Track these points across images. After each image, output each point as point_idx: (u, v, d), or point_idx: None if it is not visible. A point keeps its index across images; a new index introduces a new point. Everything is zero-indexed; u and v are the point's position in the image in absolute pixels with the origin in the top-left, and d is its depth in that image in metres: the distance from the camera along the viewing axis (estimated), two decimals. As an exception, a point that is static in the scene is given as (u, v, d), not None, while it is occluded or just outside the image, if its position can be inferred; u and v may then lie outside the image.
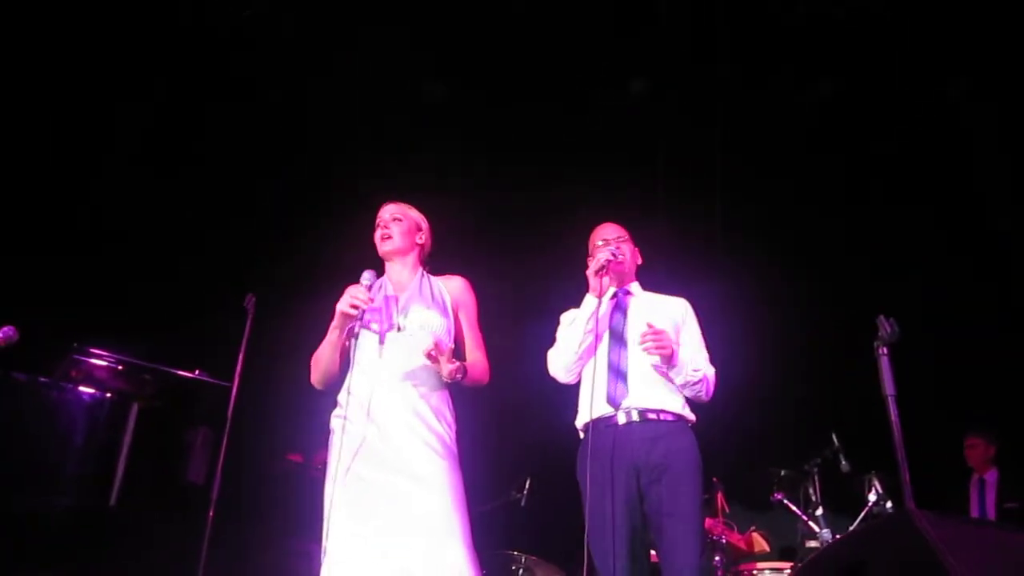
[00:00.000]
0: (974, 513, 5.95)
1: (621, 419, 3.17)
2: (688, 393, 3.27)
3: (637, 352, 3.24)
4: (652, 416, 3.18)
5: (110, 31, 5.70)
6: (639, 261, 3.57)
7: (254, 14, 5.78)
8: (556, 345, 3.40)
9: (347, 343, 3.11)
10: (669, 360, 3.18)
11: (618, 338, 3.32)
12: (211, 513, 3.69)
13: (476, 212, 6.32)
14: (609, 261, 3.29)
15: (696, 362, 3.29)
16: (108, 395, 4.06)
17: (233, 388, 3.97)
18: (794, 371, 6.38)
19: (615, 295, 3.47)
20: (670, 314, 3.40)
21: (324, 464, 4.72)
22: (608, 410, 3.20)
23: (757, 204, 6.44)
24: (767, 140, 6.35)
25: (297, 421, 5.47)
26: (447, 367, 2.95)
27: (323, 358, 3.11)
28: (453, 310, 3.22)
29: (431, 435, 2.95)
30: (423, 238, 3.35)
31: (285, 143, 6.36)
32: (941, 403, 6.02)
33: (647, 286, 3.60)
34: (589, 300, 3.29)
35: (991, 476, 6.06)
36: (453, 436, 3.03)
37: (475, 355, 3.21)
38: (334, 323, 3.06)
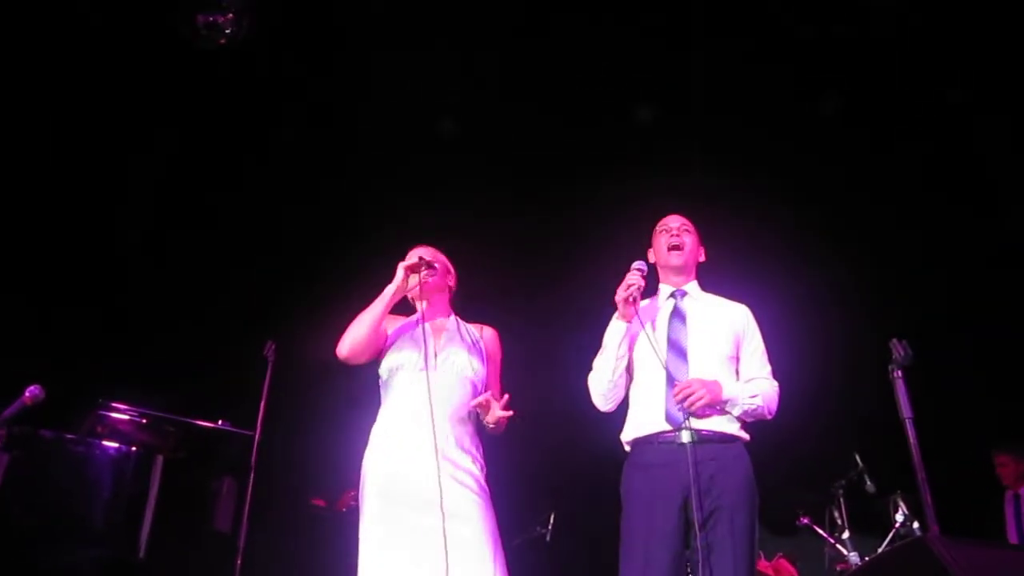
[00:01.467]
0: (1011, 529, 5.85)
1: (682, 438, 2.92)
2: (748, 419, 3.04)
3: (698, 364, 3.04)
4: (707, 434, 2.95)
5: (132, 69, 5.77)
6: (701, 258, 3.34)
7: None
8: (593, 372, 3.21)
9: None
10: (716, 407, 2.96)
11: (675, 347, 3.08)
12: (239, 561, 3.71)
13: (497, 240, 6.32)
14: (641, 288, 3.05)
15: (751, 386, 3.06)
16: (133, 448, 4.12)
17: (256, 436, 4.01)
18: (816, 392, 6.35)
19: (672, 295, 3.26)
20: (730, 323, 3.18)
21: (348, 507, 4.75)
22: (664, 427, 2.97)
23: (775, 230, 6.42)
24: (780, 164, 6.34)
25: (319, 466, 5.51)
26: (498, 413, 3.03)
27: (362, 324, 3.14)
28: (486, 357, 3.27)
29: (466, 474, 3.00)
30: (452, 281, 3.44)
31: (304, 192, 6.42)
32: (974, 420, 5.98)
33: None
34: (617, 325, 3.10)
35: (1025, 491, 5.98)
36: (484, 474, 3.08)
37: None
38: (388, 289, 3.16)
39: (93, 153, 5.89)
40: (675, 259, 3.23)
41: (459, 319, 3.37)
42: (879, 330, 3.41)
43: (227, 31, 4.94)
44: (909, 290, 6.28)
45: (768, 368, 3.17)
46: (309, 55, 5.95)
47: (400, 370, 3.14)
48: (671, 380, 2.98)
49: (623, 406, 3.18)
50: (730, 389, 2.99)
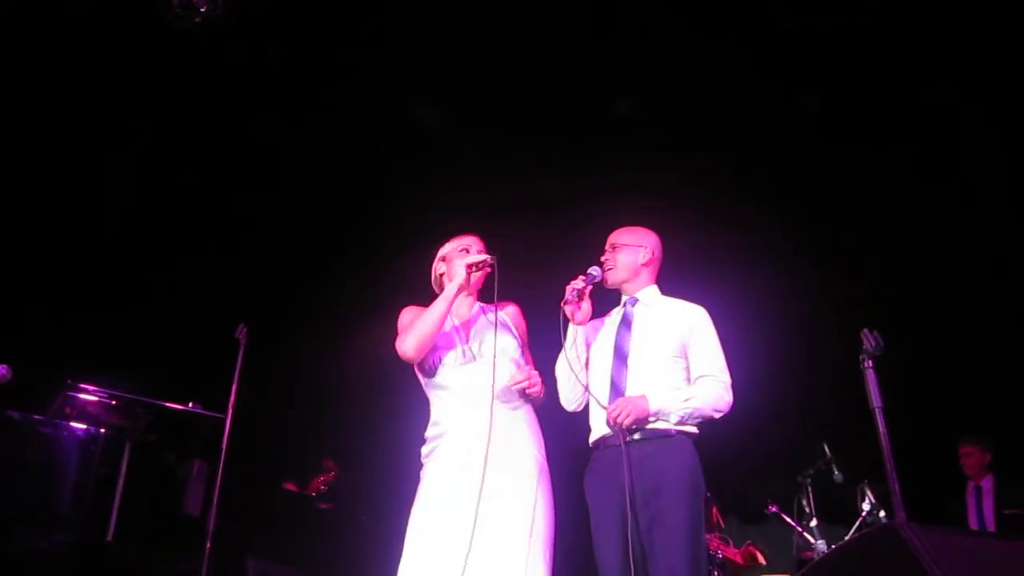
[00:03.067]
0: (972, 520, 5.96)
1: (621, 439, 3.07)
2: (694, 421, 3.15)
3: (637, 370, 3.18)
4: (649, 433, 3.08)
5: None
6: (642, 260, 3.38)
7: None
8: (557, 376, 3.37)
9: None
10: (645, 421, 3.08)
11: (620, 356, 3.23)
12: (208, 545, 3.68)
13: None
14: (580, 290, 3.20)
15: (687, 390, 3.16)
16: (102, 430, 4.07)
17: (227, 419, 3.98)
18: (785, 383, 6.41)
19: (624, 304, 3.38)
20: (678, 326, 3.26)
21: (318, 491, 4.74)
22: (608, 430, 3.12)
23: (743, 223, 6.46)
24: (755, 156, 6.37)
25: (291, 450, 5.49)
26: (533, 381, 3.11)
27: (428, 324, 3.14)
28: (517, 334, 3.32)
29: (527, 458, 3.08)
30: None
31: (276, 174, 6.37)
32: (937, 412, 6.07)
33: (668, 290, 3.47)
34: (569, 330, 3.25)
35: (987, 483, 6.07)
36: (544, 454, 3.15)
37: None
38: (451, 288, 3.18)
39: (68, 137, 5.82)
40: (609, 278, 3.34)
41: (481, 303, 3.39)
42: (849, 321, 3.45)
43: (202, 9, 4.88)
44: (879, 281, 6.35)
45: (719, 364, 3.24)
46: (289, 39, 5.90)
47: (443, 367, 3.18)
48: (614, 387, 3.16)
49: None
50: (657, 402, 3.08)
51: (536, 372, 3.16)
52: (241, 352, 4.07)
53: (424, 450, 3.16)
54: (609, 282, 3.35)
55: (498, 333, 3.21)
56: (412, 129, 6.39)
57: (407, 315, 3.26)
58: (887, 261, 6.43)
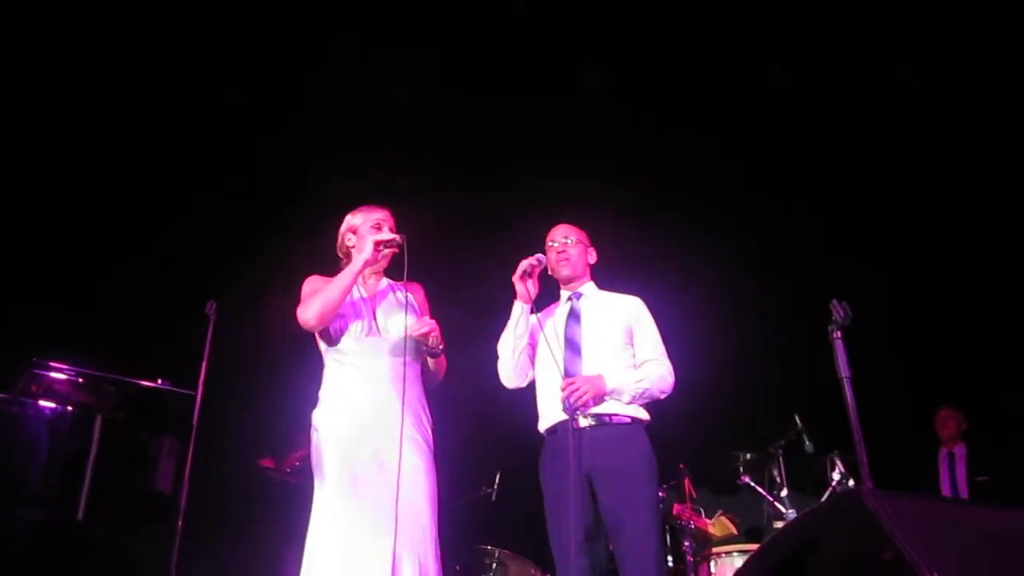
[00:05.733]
0: (945, 487, 6.05)
1: (577, 424, 3.23)
2: (640, 402, 3.33)
3: (590, 357, 3.34)
4: (605, 419, 3.25)
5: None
6: (592, 260, 3.63)
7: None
8: (499, 355, 3.50)
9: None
10: (601, 399, 3.24)
11: (571, 345, 3.39)
12: (180, 522, 3.67)
13: (437, 214, 6.31)
14: (533, 266, 3.36)
15: (639, 372, 3.35)
16: (70, 408, 4.03)
17: (197, 396, 3.95)
18: (756, 355, 6.47)
19: (569, 299, 3.54)
20: (622, 316, 3.46)
21: (293, 467, 4.72)
22: (563, 416, 3.25)
23: (713, 193, 6.50)
24: (721, 131, 6.39)
25: (264, 426, 5.46)
26: (430, 328, 3.16)
27: (332, 295, 3.14)
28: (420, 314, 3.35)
29: (417, 433, 3.12)
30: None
31: (246, 148, 6.29)
32: (903, 382, 6.15)
33: (604, 284, 3.64)
34: (516, 306, 3.38)
35: (960, 450, 6.18)
36: (432, 433, 3.20)
37: None
38: (358, 261, 3.17)
39: (28, 102, 5.71)
40: (563, 270, 3.53)
41: (389, 280, 3.41)
42: (819, 292, 3.49)
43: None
44: (847, 252, 6.41)
45: (661, 349, 3.46)
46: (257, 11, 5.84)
47: (347, 336, 3.20)
48: (567, 375, 3.28)
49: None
50: (614, 381, 3.26)
51: (434, 321, 3.22)
52: (211, 327, 4.05)
53: (317, 413, 3.17)
54: (561, 275, 3.53)
55: (399, 311, 3.27)
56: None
57: (310, 284, 3.27)
58: (857, 233, 6.48)
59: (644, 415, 3.33)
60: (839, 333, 2.98)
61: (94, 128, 5.98)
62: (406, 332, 3.18)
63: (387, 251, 3.28)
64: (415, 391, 3.21)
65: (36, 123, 5.75)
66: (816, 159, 6.45)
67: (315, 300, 3.14)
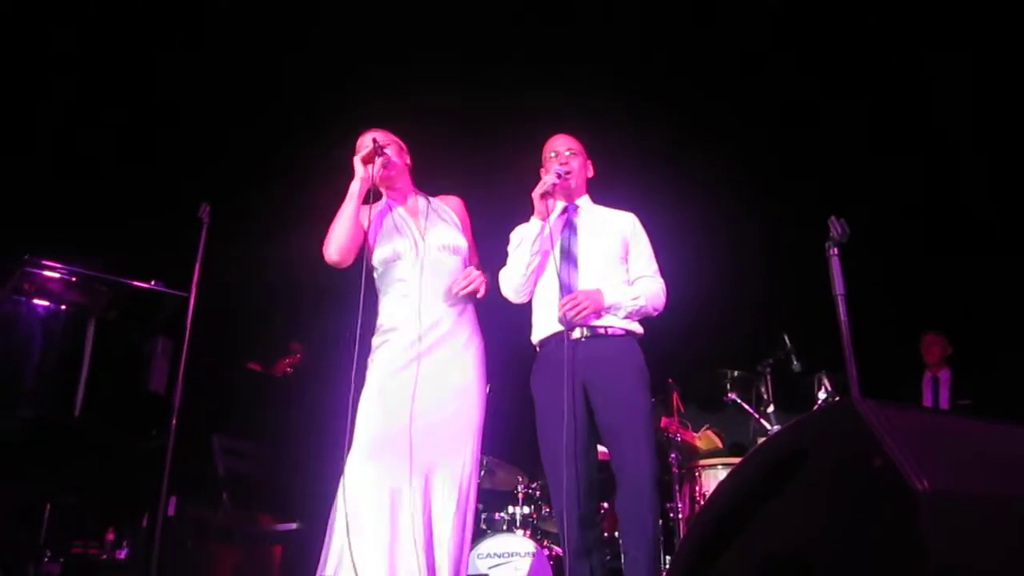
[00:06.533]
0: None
1: (572, 336, 3.26)
2: (637, 317, 3.36)
3: (587, 270, 3.35)
4: (601, 332, 3.29)
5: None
6: (590, 174, 3.59)
7: None
8: (506, 267, 3.47)
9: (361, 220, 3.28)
10: (600, 313, 3.27)
11: (568, 256, 3.39)
12: (174, 421, 3.70)
13: (434, 128, 6.23)
14: (555, 184, 3.32)
15: (635, 288, 3.38)
16: (63, 307, 4.01)
17: (191, 298, 3.94)
18: (747, 273, 6.50)
19: (564, 210, 3.51)
20: (619, 230, 3.47)
21: (284, 373, 4.75)
22: (559, 327, 3.28)
23: (706, 113, 6.43)
24: (714, 49, 6.29)
25: (256, 330, 5.48)
26: (477, 284, 3.23)
27: (340, 227, 3.19)
28: (462, 227, 3.40)
29: (469, 353, 3.24)
30: (408, 159, 3.47)
31: (242, 56, 6.16)
32: (892, 303, 6.20)
33: (598, 199, 3.62)
34: (534, 222, 3.34)
35: (944, 374, 6.28)
36: (483, 351, 3.31)
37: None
38: (353, 187, 3.19)
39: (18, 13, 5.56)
40: (563, 187, 3.45)
41: (424, 195, 3.42)
42: (810, 211, 3.50)
43: None
44: (846, 172, 6.38)
45: (654, 267, 3.50)
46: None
47: (394, 260, 3.24)
48: (564, 286, 3.30)
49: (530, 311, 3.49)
50: (611, 296, 3.30)
51: (479, 272, 3.26)
52: (204, 231, 4.00)
53: (375, 341, 3.24)
54: (567, 188, 3.46)
55: (442, 225, 3.31)
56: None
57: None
58: (850, 151, 6.45)
59: (638, 328, 3.38)
60: (836, 250, 2.98)
61: (90, 22, 5.83)
62: (417, 251, 3.25)
63: (379, 161, 3.24)
64: (465, 304, 3.28)
65: (24, 26, 5.61)
66: (805, 76, 6.37)
67: (330, 237, 3.19)
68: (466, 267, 3.32)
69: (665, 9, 6.23)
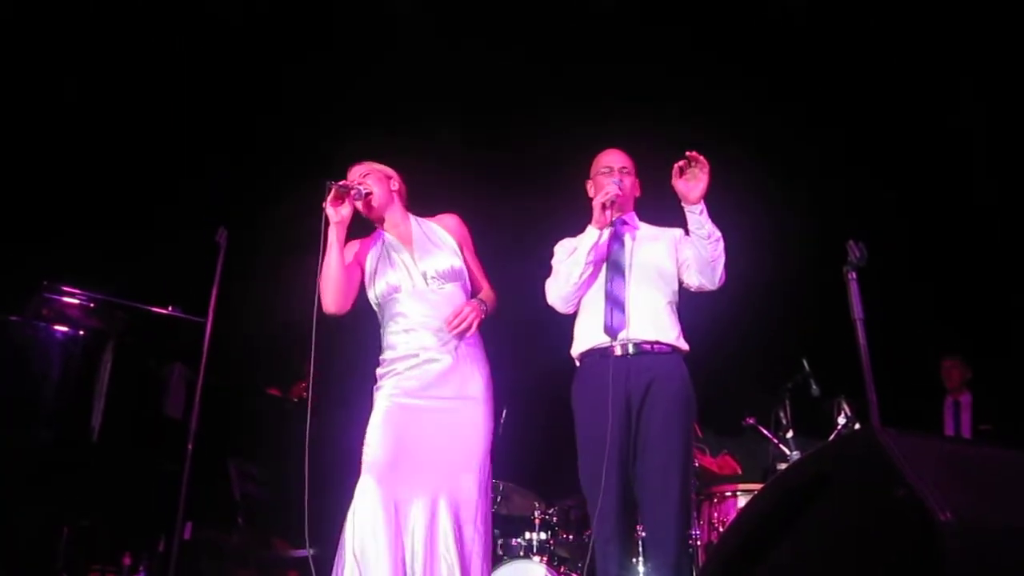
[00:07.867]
0: (948, 433, 6.09)
1: (617, 350, 3.18)
2: (707, 256, 3.25)
3: (635, 283, 3.29)
4: (647, 348, 3.21)
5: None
6: (637, 193, 3.55)
7: None
8: (554, 276, 3.40)
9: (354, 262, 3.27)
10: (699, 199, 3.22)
11: (616, 268, 3.32)
12: (190, 446, 3.70)
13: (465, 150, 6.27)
14: (618, 195, 3.26)
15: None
16: (81, 332, 4.04)
17: (208, 323, 3.95)
18: (766, 297, 6.45)
19: (612, 224, 3.41)
20: (665, 245, 3.42)
21: (300, 397, 4.75)
22: (605, 340, 3.22)
23: (729, 132, 6.41)
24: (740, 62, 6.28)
25: (273, 356, 5.49)
26: (469, 321, 3.18)
27: (328, 280, 3.15)
28: (459, 247, 3.34)
29: (474, 381, 3.19)
30: (396, 184, 3.41)
31: (260, 80, 6.22)
32: (913, 328, 6.14)
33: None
34: (591, 231, 3.28)
35: (966, 399, 6.21)
36: (489, 374, 3.27)
37: (483, 285, 3.41)
38: (330, 235, 3.12)
39: (35, 31, 5.64)
40: (619, 200, 3.34)
41: (417, 219, 3.38)
42: (831, 235, 3.47)
43: None
44: (863, 196, 6.35)
45: None
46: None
47: (392, 294, 3.21)
48: (609, 298, 3.23)
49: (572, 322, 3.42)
50: (658, 314, 3.25)
51: (471, 306, 3.21)
52: (221, 255, 4.02)
53: (380, 372, 3.22)
54: (619, 204, 3.36)
55: (435, 251, 3.27)
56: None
57: None
58: (872, 174, 6.41)
59: (683, 345, 3.29)
60: (854, 274, 2.96)
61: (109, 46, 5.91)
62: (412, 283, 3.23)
63: (352, 199, 3.18)
64: (470, 338, 3.24)
65: (43, 57, 5.69)
66: (830, 95, 6.35)
67: (321, 288, 3.15)
68: (467, 286, 3.30)
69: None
